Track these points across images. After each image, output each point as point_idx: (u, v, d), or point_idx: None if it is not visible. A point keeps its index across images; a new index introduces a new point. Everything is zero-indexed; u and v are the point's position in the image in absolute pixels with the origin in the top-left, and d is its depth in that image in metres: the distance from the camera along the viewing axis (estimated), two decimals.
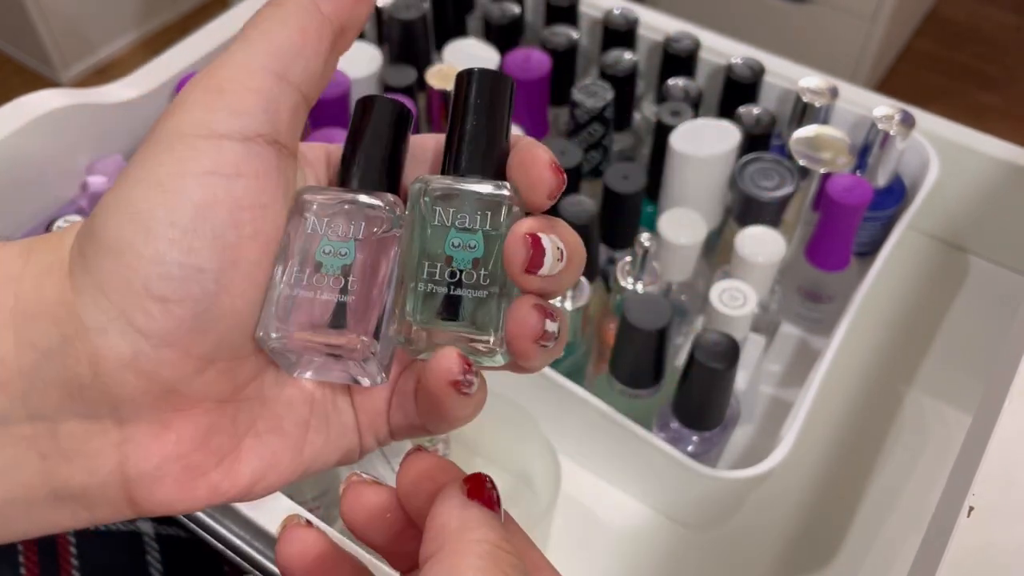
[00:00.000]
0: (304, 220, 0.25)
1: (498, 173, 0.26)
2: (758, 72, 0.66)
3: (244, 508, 0.46)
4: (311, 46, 0.25)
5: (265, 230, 0.24)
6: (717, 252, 0.63)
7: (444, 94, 0.63)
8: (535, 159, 0.25)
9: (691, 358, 0.50)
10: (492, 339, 0.24)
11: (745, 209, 0.59)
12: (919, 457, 0.61)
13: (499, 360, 0.25)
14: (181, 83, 0.62)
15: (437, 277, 0.24)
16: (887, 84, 1.88)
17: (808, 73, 0.67)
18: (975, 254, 0.73)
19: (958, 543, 0.42)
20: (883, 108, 0.63)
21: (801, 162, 0.60)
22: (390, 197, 0.25)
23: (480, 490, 0.24)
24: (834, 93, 0.64)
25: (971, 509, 0.43)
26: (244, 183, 0.23)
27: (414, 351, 0.25)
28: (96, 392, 0.23)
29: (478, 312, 0.24)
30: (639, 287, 0.55)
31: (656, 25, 0.72)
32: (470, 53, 0.67)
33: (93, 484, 0.23)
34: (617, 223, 0.59)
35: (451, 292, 0.24)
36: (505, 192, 0.25)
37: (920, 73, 1.93)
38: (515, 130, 0.28)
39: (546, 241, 0.24)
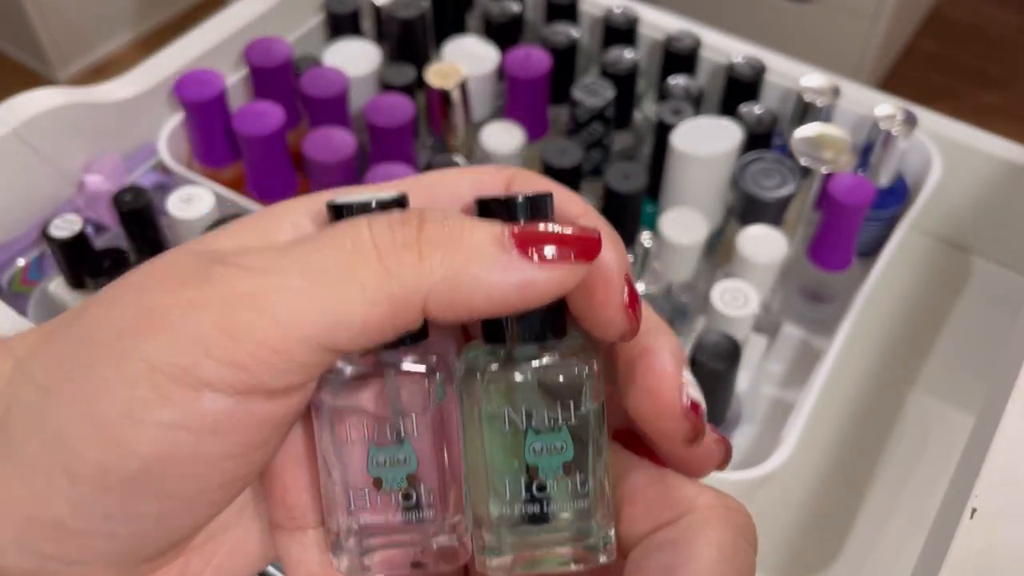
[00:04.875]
0: (337, 426, 0.20)
1: (560, 322, 0.20)
2: (759, 71, 0.66)
3: None
4: (394, 328, 0.19)
5: (245, 473, 0.19)
6: (718, 252, 0.63)
7: (443, 93, 0.62)
8: (608, 284, 0.20)
9: (692, 358, 0.49)
10: (600, 549, 0.20)
11: (746, 209, 0.59)
12: (921, 458, 0.61)
13: (609, 558, 0.21)
14: (179, 84, 0.62)
15: (521, 495, 0.20)
16: (889, 83, 1.87)
17: (810, 72, 0.67)
18: (978, 254, 0.73)
19: (961, 545, 0.42)
20: (885, 107, 0.62)
21: (803, 161, 0.59)
22: (431, 357, 0.20)
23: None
24: (836, 92, 0.64)
25: (974, 511, 0.43)
26: (221, 440, 0.18)
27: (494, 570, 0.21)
28: None
29: (580, 520, 0.20)
30: (640, 287, 0.55)
31: (657, 23, 0.72)
32: (470, 51, 0.67)
33: None
34: (618, 223, 0.59)
35: (542, 511, 0.20)
36: (587, 369, 0.20)
37: (922, 72, 1.92)
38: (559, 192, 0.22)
39: (695, 393, 0.20)
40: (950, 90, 1.88)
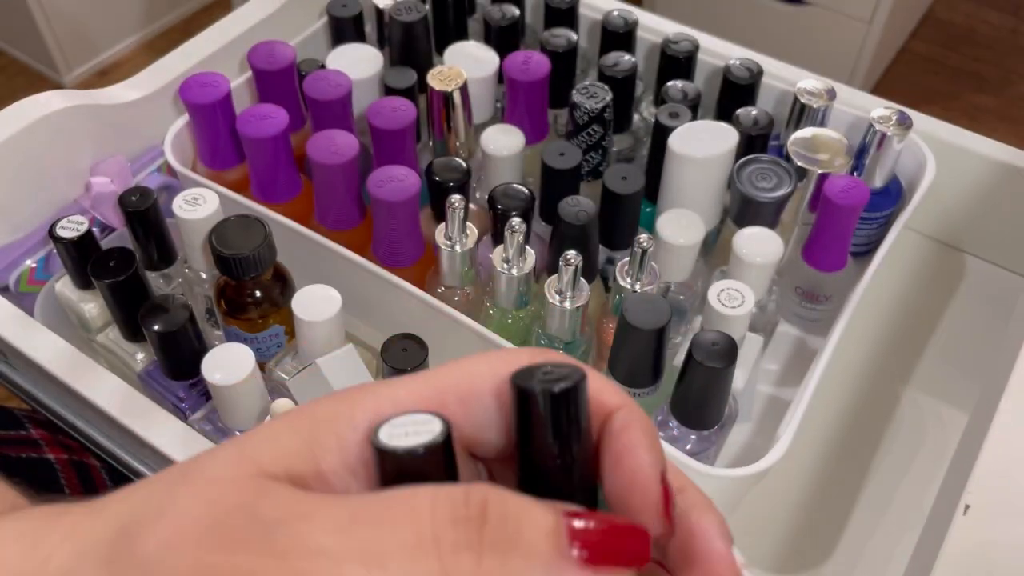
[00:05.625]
0: None
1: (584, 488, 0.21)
2: (756, 74, 0.67)
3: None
4: None
5: None
6: (715, 252, 0.64)
7: (445, 96, 0.63)
8: (645, 495, 0.21)
9: (689, 357, 0.50)
10: None
11: (743, 210, 0.59)
12: (916, 456, 0.62)
13: None
14: (184, 87, 0.63)
15: None
16: (884, 86, 1.88)
17: (806, 75, 0.67)
18: (972, 254, 0.73)
19: (954, 541, 0.43)
20: (880, 109, 0.63)
21: (799, 163, 0.60)
22: None
23: None
24: (831, 95, 0.64)
25: (967, 507, 0.43)
26: None
27: None
28: None
29: None
30: (638, 287, 0.55)
31: (655, 27, 0.73)
32: (470, 55, 0.67)
33: None
34: (616, 224, 0.60)
35: None
36: None
37: (917, 75, 1.93)
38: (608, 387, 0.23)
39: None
40: (944, 92, 1.89)
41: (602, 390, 0.21)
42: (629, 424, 0.21)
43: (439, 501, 0.19)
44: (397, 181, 0.56)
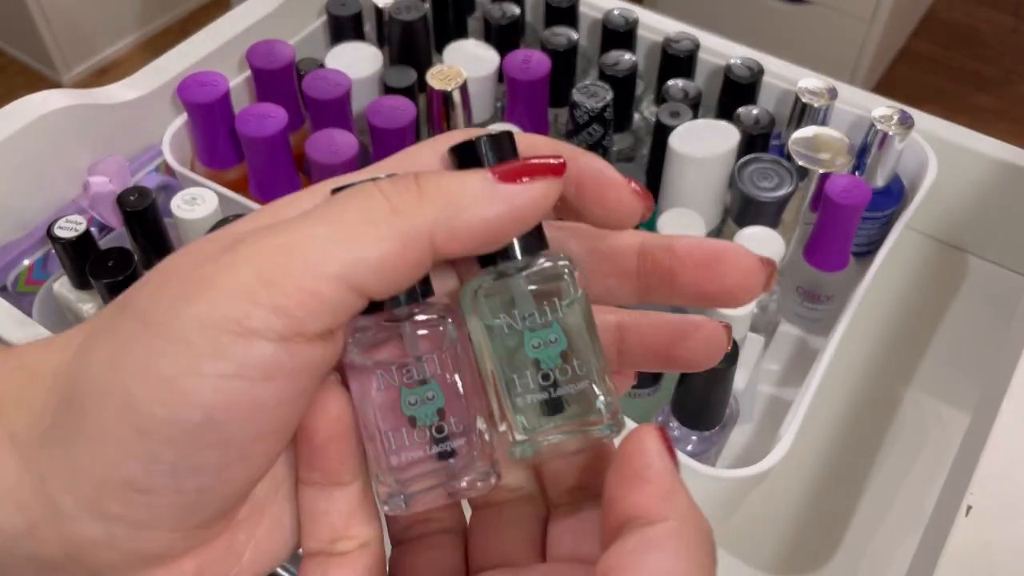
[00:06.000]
0: (368, 379, 0.22)
1: (540, 239, 0.23)
2: (757, 73, 0.67)
3: None
4: (408, 264, 0.21)
5: (292, 420, 0.21)
6: None
7: (444, 95, 0.63)
8: (612, 186, 0.23)
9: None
10: (604, 416, 0.23)
11: (744, 209, 0.59)
12: (917, 456, 0.62)
13: (618, 427, 0.23)
14: (182, 86, 0.62)
15: (531, 387, 0.23)
16: (885, 85, 1.88)
17: (807, 74, 0.67)
18: (973, 254, 0.73)
19: (956, 542, 0.43)
20: (881, 109, 0.63)
21: (800, 162, 0.60)
22: (439, 303, 0.23)
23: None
24: (833, 94, 0.64)
25: (969, 508, 0.43)
26: (273, 385, 0.20)
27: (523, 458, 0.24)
28: (71, 566, 0.21)
29: (582, 401, 0.23)
30: None
31: (655, 26, 0.73)
32: (470, 53, 0.67)
33: None
34: None
35: (551, 396, 0.23)
36: (560, 262, 0.23)
37: (918, 74, 1.93)
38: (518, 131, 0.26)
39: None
40: (945, 91, 1.89)
41: (535, 141, 0.24)
42: (560, 148, 0.24)
43: (380, 182, 0.21)
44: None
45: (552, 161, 0.22)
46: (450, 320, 0.23)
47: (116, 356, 0.20)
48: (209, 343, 0.19)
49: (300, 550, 0.23)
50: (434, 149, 0.24)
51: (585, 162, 0.23)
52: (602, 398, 0.23)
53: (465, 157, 0.23)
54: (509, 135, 0.23)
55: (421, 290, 0.23)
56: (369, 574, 0.23)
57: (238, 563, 0.23)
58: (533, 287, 0.22)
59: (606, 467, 0.22)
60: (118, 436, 0.19)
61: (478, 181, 0.21)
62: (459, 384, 0.23)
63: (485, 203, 0.21)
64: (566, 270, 0.23)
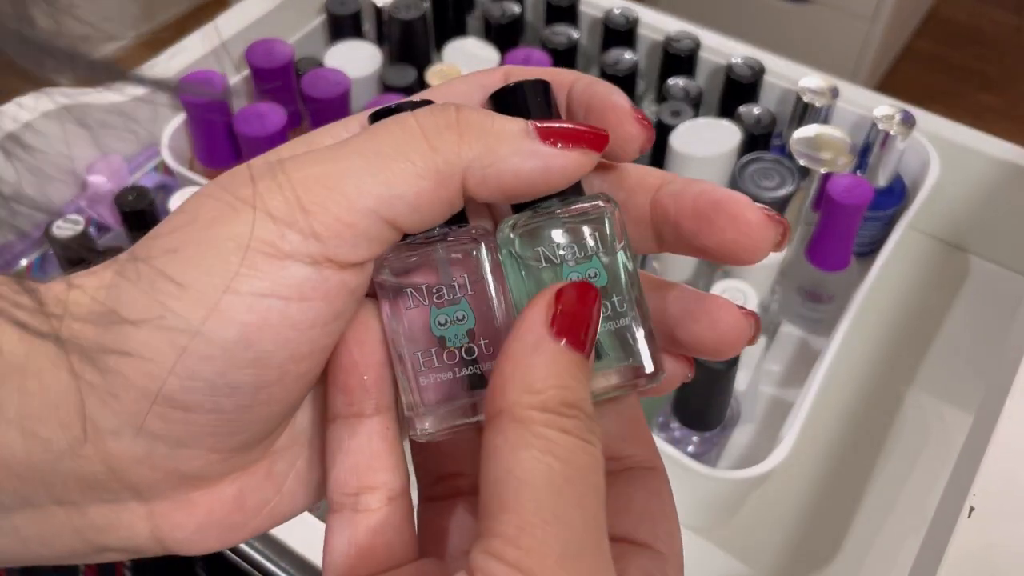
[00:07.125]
0: (399, 299, 0.22)
1: (576, 186, 0.23)
2: (758, 72, 0.66)
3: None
4: (441, 201, 0.21)
5: (325, 344, 0.21)
6: None
7: None
8: (615, 109, 0.23)
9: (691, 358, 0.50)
10: (643, 361, 0.22)
11: None
12: (919, 457, 0.61)
13: (659, 373, 0.23)
14: (181, 84, 0.62)
15: None
16: (887, 84, 1.88)
17: (808, 73, 0.67)
18: (975, 254, 0.73)
19: (959, 543, 0.42)
20: (883, 108, 0.63)
21: (801, 162, 0.60)
22: (472, 230, 0.23)
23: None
24: (834, 93, 0.64)
25: (972, 509, 0.43)
26: (306, 306, 0.20)
27: None
28: (114, 483, 0.21)
29: (623, 344, 0.22)
30: None
31: (656, 25, 0.72)
32: (470, 52, 0.67)
33: (132, 546, 0.22)
34: None
35: None
36: (600, 203, 0.22)
37: (920, 73, 1.93)
38: None
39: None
40: (948, 91, 1.89)
41: (560, 72, 0.24)
42: (582, 79, 0.24)
43: (418, 110, 0.21)
44: None
45: (599, 131, 0.22)
46: (484, 244, 0.23)
47: (155, 275, 0.20)
48: (245, 262, 0.19)
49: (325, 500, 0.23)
50: (469, 84, 0.24)
51: (598, 89, 0.23)
52: (643, 342, 0.22)
53: (506, 104, 0.23)
54: (546, 85, 0.23)
55: (456, 217, 0.23)
56: (395, 532, 0.22)
57: (278, 492, 0.23)
58: (573, 223, 0.22)
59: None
60: (158, 352, 0.20)
61: (520, 133, 0.21)
62: (492, 307, 0.23)
63: (522, 157, 0.21)
64: (607, 210, 0.22)
